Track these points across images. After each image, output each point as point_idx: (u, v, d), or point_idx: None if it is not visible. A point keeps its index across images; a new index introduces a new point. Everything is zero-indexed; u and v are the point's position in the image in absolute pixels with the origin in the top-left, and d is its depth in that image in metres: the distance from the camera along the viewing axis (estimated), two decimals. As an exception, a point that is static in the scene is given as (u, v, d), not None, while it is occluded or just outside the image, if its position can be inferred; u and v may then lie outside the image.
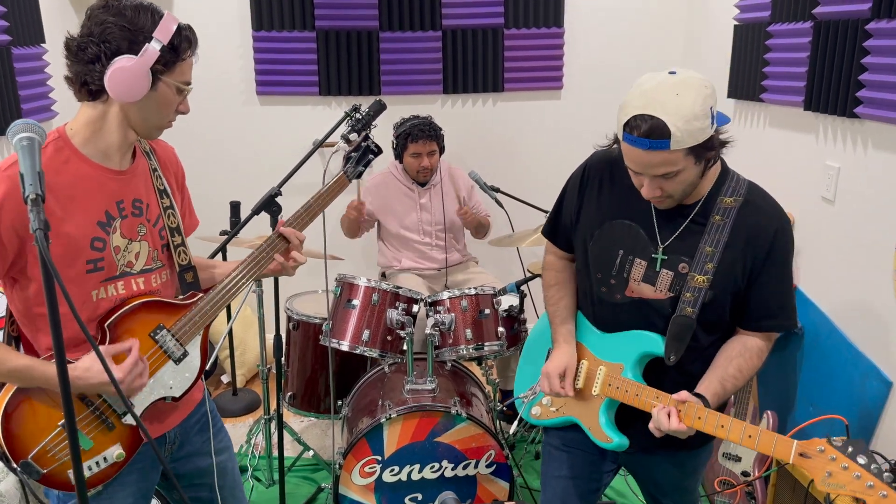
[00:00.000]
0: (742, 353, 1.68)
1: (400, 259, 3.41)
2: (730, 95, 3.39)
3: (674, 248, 1.68)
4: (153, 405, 1.57)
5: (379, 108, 2.43)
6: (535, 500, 2.73)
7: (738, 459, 2.71)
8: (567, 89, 3.89)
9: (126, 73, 1.37)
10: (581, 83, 3.88)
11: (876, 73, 2.39)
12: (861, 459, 1.39)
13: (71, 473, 1.42)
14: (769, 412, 2.68)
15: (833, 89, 2.55)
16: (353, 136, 2.35)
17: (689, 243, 1.66)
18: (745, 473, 2.67)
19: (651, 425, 1.63)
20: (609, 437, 1.76)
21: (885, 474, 1.38)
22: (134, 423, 1.52)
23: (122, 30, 1.37)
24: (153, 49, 1.39)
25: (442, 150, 3.37)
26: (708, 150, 1.53)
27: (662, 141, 1.46)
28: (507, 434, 2.98)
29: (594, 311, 1.83)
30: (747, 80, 3.20)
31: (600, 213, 1.76)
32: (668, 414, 1.60)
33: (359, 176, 2.07)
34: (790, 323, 1.71)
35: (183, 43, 1.43)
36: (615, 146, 1.67)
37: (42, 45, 3.06)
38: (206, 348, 1.64)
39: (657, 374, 1.73)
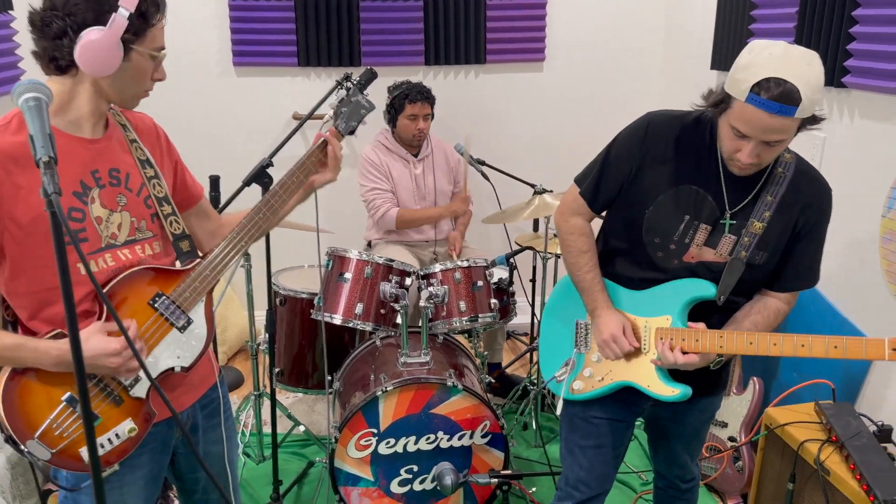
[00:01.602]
0: (760, 311, 1.75)
1: (389, 231, 3.38)
2: (713, 67, 3.40)
3: (742, 214, 1.69)
4: (164, 378, 1.52)
5: (370, 77, 2.37)
6: (551, 469, 2.74)
7: (724, 425, 2.76)
8: (549, 61, 3.87)
9: (96, 46, 1.32)
10: (563, 55, 3.87)
11: (864, 43, 2.42)
12: None
13: (83, 451, 1.38)
14: (755, 378, 2.73)
15: (821, 58, 2.56)
16: (345, 95, 2.30)
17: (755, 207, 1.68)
18: (731, 439, 2.73)
19: (669, 362, 1.70)
20: (673, 388, 1.75)
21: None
22: (143, 395, 1.48)
23: (87, 1, 1.31)
24: (121, 18, 1.33)
25: (433, 115, 3.34)
26: (810, 123, 1.52)
27: (791, 107, 1.44)
28: (556, 415, 2.99)
29: (642, 273, 1.79)
30: (732, 52, 3.22)
31: (666, 178, 1.70)
32: (672, 348, 1.69)
33: (352, 132, 2.02)
34: (814, 282, 1.78)
35: (150, 7, 1.38)
36: (699, 109, 1.66)
37: (10, 12, 2.93)
38: (212, 316, 1.59)
39: (699, 320, 1.75)
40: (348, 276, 2.55)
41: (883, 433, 2.18)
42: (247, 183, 2.19)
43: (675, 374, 1.78)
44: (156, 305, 1.50)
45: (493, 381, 3.05)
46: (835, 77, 2.51)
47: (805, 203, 1.68)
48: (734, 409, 2.73)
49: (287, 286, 2.87)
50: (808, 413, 2.37)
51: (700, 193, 1.69)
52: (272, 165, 2.18)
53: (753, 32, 3.04)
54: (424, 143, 3.39)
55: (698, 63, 3.51)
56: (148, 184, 1.53)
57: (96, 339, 1.37)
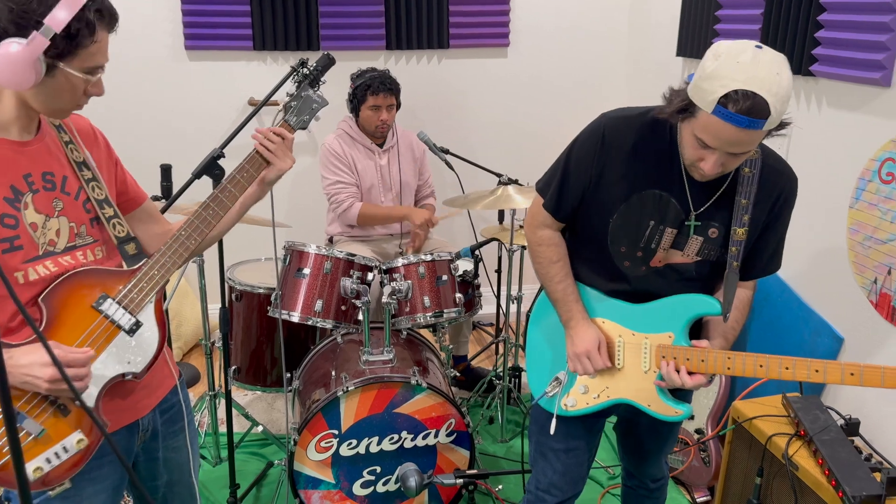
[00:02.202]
0: (737, 306, 1.71)
1: (356, 226, 3.27)
2: (679, 54, 3.35)
3: (707, 215, 1.64)
4: (116, 385, 1.42)
5: (328, 63, 2.25)
6: (523, 466, 2.68)
7: (691, 417, 2.74)
8: (514, 47, 3.78)
9: (10, 60, 1.19)
10: (528, 41, 3.79)
11: (832, 31, 2.38)
12: None
13: (29, 467, 1.28)
14: (722, 370, 2.71)
15: (788, 47, 2.53)
16: (296, 89, 2.20)
17: (723, 208, 1.63)
18: (698, 431, 2.71)
19: (671, 383, 1.65)
20: (676, 409, 1.70)
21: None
22: (92, 404, 1.38)
23: (9, 11, 1.19)
24: (41, 38, 1.20)
25: (398, 105, 3.23)
26: (776, 129, 1.44)
27: (760, 120, 1.37)
28: (508, 439, 2.94)
29: (610, 285, 1.75)
30: (697, 39, 3.17)
31: (627, 185, 1.63)
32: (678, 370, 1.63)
33: (304, 126, 1.93)
34: (777, 267, 1.75)
35: (84, 29, 1.24)
36: (657, 107, 1.57)
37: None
38: (164, 319, 1.49)
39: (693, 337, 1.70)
40: (307, 271, 2.44)
41: (850, 427, 2.17)
42: (196, 175, 2.06)
43: (675, 392, 1.73)
44: (100, 308, 1.40)
45: (458, 374, 2.98)
46: (802, 65, 2.48)
47: (777, 197, 1.64)
48: (701, 401, 2.71)
49: (243, 281, 2.75)
50: (775, 406, 2.35)
51: (663, 197, 1.63)
52: (223, 156, 2.06)
53: (720, 18, 2.99)
54: (389, 133, 3.28)
55: (664, 49, 3.46)
56: (86, 186, 1.43)
57: (35, 355, 1.27)
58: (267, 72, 3.59)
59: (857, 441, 2.16)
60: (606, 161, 1.63)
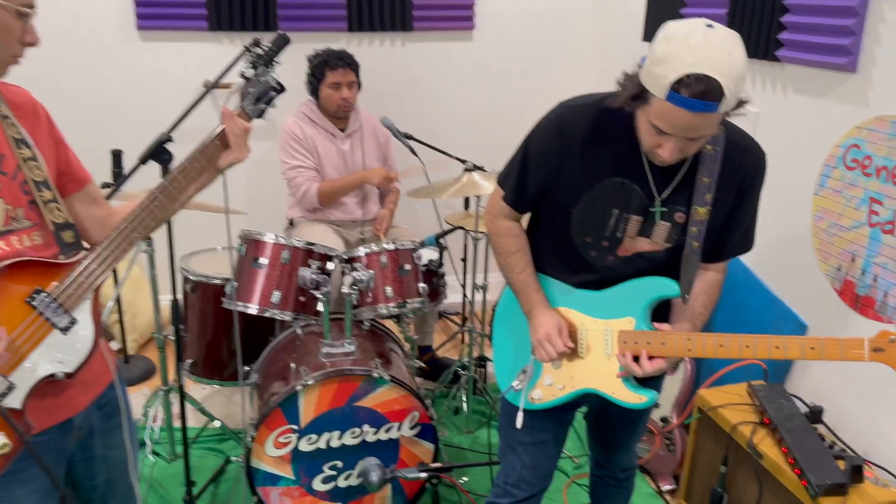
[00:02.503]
0: (705, 290, 1.68)
1: (314, 210, 3.18)
2: (645, 38, 3.31)
3: (672, 200, 1.59)
4: (48, 383, 1.33)
5: (282, 43, 2.14)
6: (490, 458, 2.64)
7: (656, 405, 2.72)
8: (479, 31, 3.71)
9: None
10: (493, 25, 3.71)
11: (798, 15, 2.35)
12: None
13: None
14: (686, 358, 2.69)
15: (754, 31, 2.50)
16: (252, 74, 2.11)
17: (686, 191, 1.58)
18: (664, 420, 2.69)
19: (630, 373, 1.61)
20: (640, 395, 1.65)
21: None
22: (18, 405, 1.29)
23: None
24: None
25: (360, 84, 3.14)
26: (735, 109, 1.40)
27: (714, 103, 1.32)
28: (474, 430, 2.89)
29: (577, 277, 1.70)
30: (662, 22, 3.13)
31: (589, 175, 1.58)
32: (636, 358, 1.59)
33: (260, 114, 1.84)
34: (749, 247, 1.71)
35: None
36: (614, 93, 1.50)
37: None
38: (99, 316, 1.40)
39: (657, 320, 1.66)
40: (264, 261, 2.35)
41: (814, 414, 2.17)
42: (143, 160, 1.96)
43: (640, 379, 1.68)
44: (34, 303, 1.30)
45: (423, 365, 2.92)
46: (768, 50, 2.45)
47: (743, 175, 1.58)
48: (666, 388, 2.69)
49: (198, 271, 2.65)
50: (740, 394, 2.34)
51: (626, 184, 1.58)
52: (171, 140, 1.96)
53: (686, 3, 2.95)
54: (352, 116, 3.19)
55: (630, 35, 3.42)
56: (24, 166, 1.33)
57: None
58: (223, 53, 3.46)
59: (821, 429, 2.16)
60: (565, 152, 1.58)
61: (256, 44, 2.18)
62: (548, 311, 1.71)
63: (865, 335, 1.42)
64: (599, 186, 1.58)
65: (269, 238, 2.36)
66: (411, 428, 2.33)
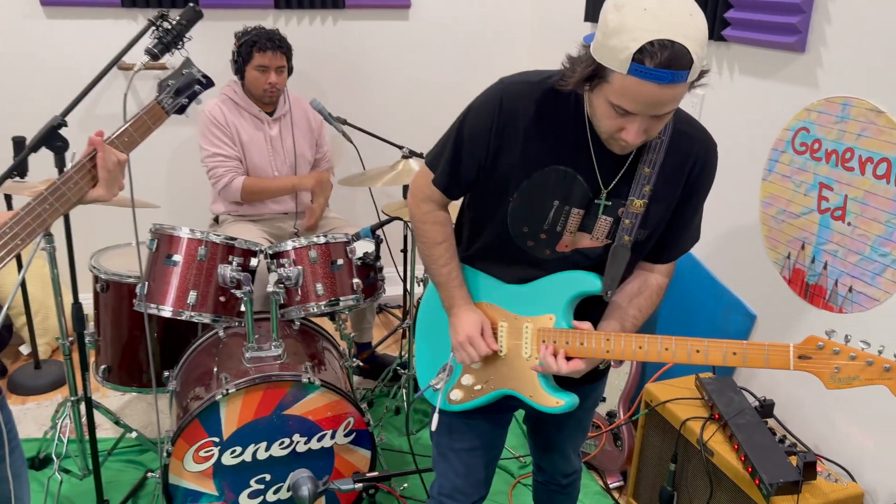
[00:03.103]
0: (642, 292, 1.55)
1: (240, 204, 2.96)
2: (587, 19, 3.19)
3: (616, 192, 1.44)
4: None
5: (193, 17, 1.95)
6: (416, 464, 2.49)
7: (602, 400, 2.63)
8: (416, 9, 3.53)
9: None
10: (430, 3, 3.53)
11: (746, -7, 2.26)
12: (863, 345, 1.26)
13: None
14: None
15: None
16: (168, 55, 1.91)
17: (630, 184, 1.44)
18: (610, 414, 2.60)
19: (547, 369, 1.48)
20: (558, 399, 1.52)
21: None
22: None
23: None
24: None
25: (290, 69, 2.93)
26: (697, 81, 1.25)
27: (683, 72, 1.17)
28: (415, 431, 2.74)
29: (507, 269, 1.56)
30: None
31: (529, 161, 1.42)
32: (556, 355, 1.46)
33: (181, 110, 1.66)
34: (695, 240, 1.59)
35: None
36: (559, 72, 1.36)
37: None
38: None
39: (582, 318, 1.52)
40: (178, 258, 2.14)
41: (765, 409, 2.10)
42: (33, 148, 1.73)
43: (560, 381, 1.56)
44: None
45: (361, 364, 2.76)
46: (714, 30, 2.35)
47: (690, 165, 1.45)
48: (612, 382, 2.60)
49: (110, 269, 2.42)
50: (688, 388, 2.26)
51: (569, 174, 1.43)
52: (65, 125, 1.74)
53: (630, -19, 2.84)
54: (281, 99, 2.98)
55: (571, 14, 3.30)
56: None
57: None
58: (137, 31, 3.18)
59: (771, 422, 2.10)
60: (504, 133, 1.42)
61: (163, 17, 1.97)
62: (470, 308, 1.57)
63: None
64: (540, 174, 1.43)
65: (183, 233, 2.15)
66: (346, 435, 2.17)
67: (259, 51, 2.80)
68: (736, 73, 2.36)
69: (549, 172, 1.43)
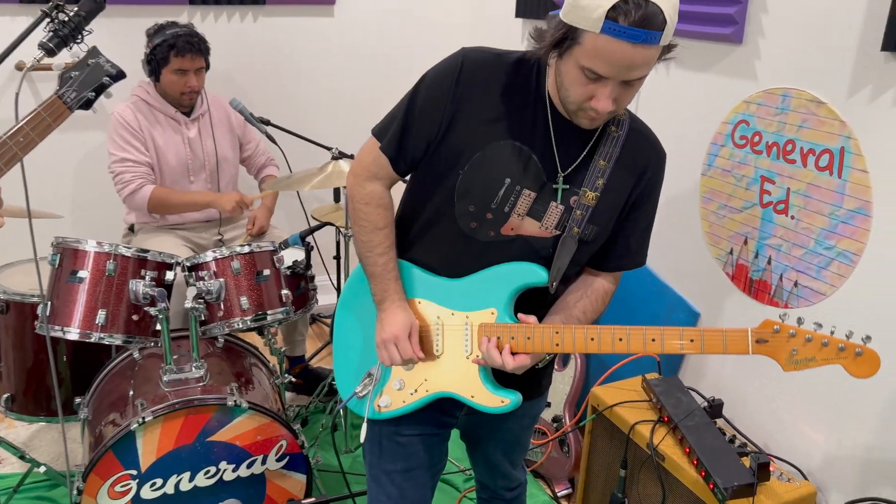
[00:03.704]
0: (588, 294, 1.49)
1: (149, 213, 2.74)
2: (518, 15, 3.12)
3: (573, 179, 1.37)
4: None
5: (93, 8, 1.76)
6: (346, 484, 2.35)
7: (547, 405, 2.55)
8: (341, 5, 3.38)
9: None
10: (357, -2, 3.40)
11: (680, -16, 2.20)
12: (815, 327, 1.26)
13: None
14: (576, 353, 2.53)
15: (634, 3, 2.34)
16: (66, 50, 1.72)
17: (585, 174, 1.38)
18: (556, 419, 2.52)
19: (490, 362, 1.40)
20: (502, 398, 1.43)
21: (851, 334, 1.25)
22: None
23: None
24: None
25: (208, 66, 2.74)
26: (665, 53, 1.24)
27: (656, 32, 1.15)
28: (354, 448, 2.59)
29: (446, 254, 1.45)
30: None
31: (483, 132, 1.34)
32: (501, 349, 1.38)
33: (86, 105, 1.48)
34: (642, 260, 1.54)
35: None
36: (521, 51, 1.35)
37: None
38: None
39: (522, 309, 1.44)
40: (84, 274, 1.94)
41: (714, 409, 2.05)
42: None
43: (501, 379, 1.46)
44: None
45: (294, 379, 2.60)
46: (650, 23, 2.30)
47: (642, 168, 1.42)
48: (557, 386, 2.52)
49: (11, 288, 2.19)
50: (635, 390, 2.19)
51: (524, 152, 1.36)
52: (-59, 130, 1.53)
53: (561, -25, 2.77)
54: (198, 98, 2.78)
55: (503, 11, 3.22)
56: None
57: None
58: (29, 24, 2.93)
59: (720, 422, 2.05)
60: (462, 99, 1.35)
61: (58, 8, 1.78)
62: (402, 307, 1.46)
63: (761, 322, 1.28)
64: (495, 146, 1.36)
65: (89, 246, 1.95)
66: (278, 460, 2.01)
67: (178, 54, 2.59)
68: (672, 67, 2.31)
69: (504, 147, 1.35)
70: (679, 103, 2.29)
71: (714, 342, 1.28)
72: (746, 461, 1.83)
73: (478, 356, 1.43)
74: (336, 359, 1.61)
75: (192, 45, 2.62)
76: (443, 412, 1.55)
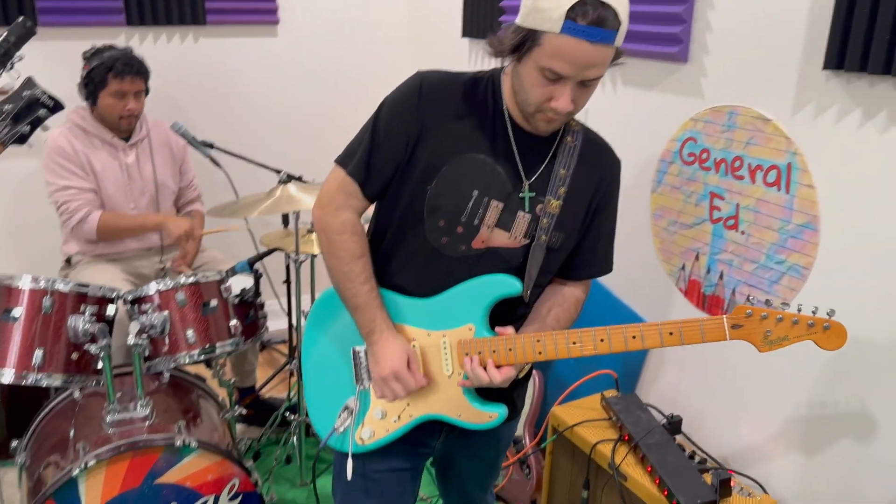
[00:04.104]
0: (560, 303, 1.51)
1: (95, 242, 2.62)
2: (465, 34, 3.11)
3: (537, 187, 1.40)
4: None
5: (23, 33, 1.68)
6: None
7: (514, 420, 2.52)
8: (285, 25, 3.32)
9: None
10: (301, 18, 3.34)
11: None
12: (784, 306, 1.32)
13: None
14: (534, 371, 2.52)
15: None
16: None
17: (548, 182, 1.42)
18: (516, 441, 2.49)
19: (474, 382, 1.40)
20: (491, 412, 1.43)
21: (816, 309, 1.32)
22: None
23: None
24: None
25: (147, 90, 2.64)
26: (618, 56, 1.30)
27: (612, 32, 1.22)
28: (309, 482, 2.50)
29: (418, 273, 1.44)
30: (483, 19, 2.95)
31: (449, 146, 1.37)
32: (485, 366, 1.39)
33: (21, 140, 1.40)
34: (609, 267, 1.57)
35: None
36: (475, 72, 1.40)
37: None
38: None
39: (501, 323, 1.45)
40: (18, 312, 1.82)
41: (673, 425, 2.05)
42: None
43: (485, 393, 1.46)
44: None
45: (244, 411, 2.51)
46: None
47: (600, 175, 1.47)
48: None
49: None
50: (594, 408, 2.18)
51: (488, 163, 1.38)
52: None
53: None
54: (138, 123, 2.69)
55: (449, 29, 3.21)
56: None
57: None
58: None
59: (679, 438, 2.05)
60: (425, 119, 1.37)
61: (-16, 34, 1.69)
62: (392, 335, 1.43)
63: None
64: (460, 161, 1.38)
65: (23, 283, 1.84)
66: (231, 499, 1.93)
67: (116, 76, 2.50)
68: (619, 85, 2.33)
69: (469, 160, 1.38)
70: (627, 122, 2.31)
71: (692, 333, 1.32)
72: (708, 478, 1.83)
73: (461, 377, 1.42)
74: (308, 396, 1.56)
75: (131, 67, 2.53)
76: (418, 443, 1.52)
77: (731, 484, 1.84)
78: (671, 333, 1.34)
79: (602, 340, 1.37)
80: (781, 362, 1.90)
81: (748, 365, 2.01)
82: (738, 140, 1.91)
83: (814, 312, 1.28)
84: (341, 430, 1.46)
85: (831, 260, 1.73)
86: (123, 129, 2.62)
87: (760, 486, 1.93)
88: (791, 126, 1.77)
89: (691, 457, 1.93)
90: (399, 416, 1.47)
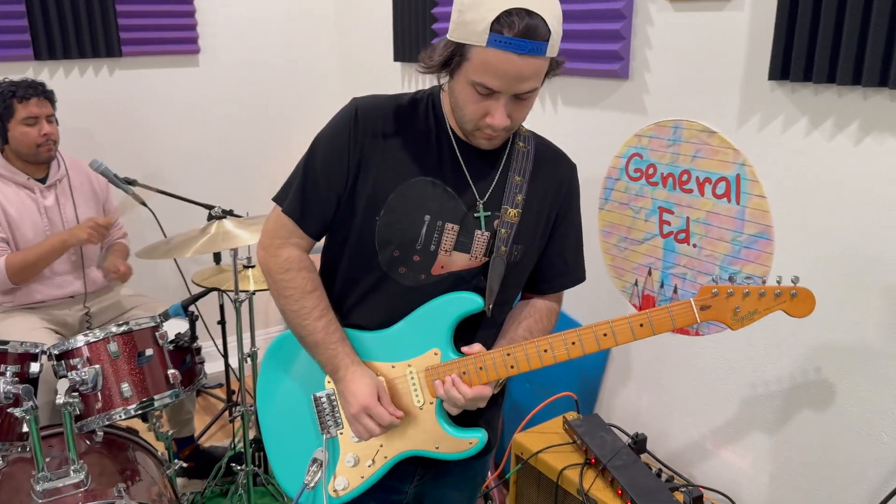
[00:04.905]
0: (531, 314, 1.44)
1: (12, 291, 2.41)
2: (396, 59, 3.07)
3: (492, 203, 1.33)
4: None
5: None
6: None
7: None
8: (206, 53, 3.19)
9: None
10: (223, 45, 3.22)
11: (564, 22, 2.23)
12: (748, 281, 1.30)
13: None
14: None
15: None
16: None
17: (502, 194, 1.35)
18: (476, 471, 2.41)
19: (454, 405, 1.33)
20: (471, 438, 1.34)
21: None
22: None
23: None
24: None
25: (57, 121, 2.46)
26: (554, 69, 1.25)
27: (541, 43, 1.15)
28: None
29: (377, 309, 1.36)
30: (414, 42, 2.91)
31: (392, 173, 1.30)
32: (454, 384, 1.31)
33: None
34: (582, 275, 1.52)
35: None
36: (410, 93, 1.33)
37: None
38: None
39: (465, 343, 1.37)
40: (-74, 377, 1.63)
41: (638, 444, 2.02)
42: None
43: (461, 420, 1.38)
44: None
45: (185, 464, 2.33)
46: (534, 62, 2.31)
47: (558, 180, 1.42)
48: (474, 437, 2.42)
49: None
50: (557, 432, 2.14)
51: (438, 186, 1.31)
52: None
53: (437, 17, 2.75)
54: (54, 163, 2.50)
55: (380, 53, 3.16)
56: None
57: None
58: None
59: (645, 457, 2.02)
60: (364, 147, 1.30)
61: None
62: (359, 369, 1.34)
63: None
64: (406, 186, 1.31)
65: (-70, 345, 1.65)
66: (180, 564, 1.77)
67: (21, 101, 2.33)
68: (560, 105, 2.32)
69: (416, 185, 1.31)
70: (570, 140, 2.27)
71: (663, 321, 1.27)
72: (680, 496, 1.81)
73: (434, 406, 1.34)
74: (270, 453, 1.45)
75: (35, 90, 2.38)
76: (391, 490, 1.43)
77: (704, 500, 1.82)
78: (641, 325, 1.28)
79: (573, 343, 1.31)
80: (744, 370, 1.91)
81: (709, 376, 2.00)
82: (685, 154, 1.92)
83: (778, 282, 1.27)
84: (312, 485, 1.35)
85: (786, 268, 1.74)
86: (43, 157, 2.43)
87: (731, 500, 1.92)
88: (738, 137, 1.79)
89: (659, 475, 1.90)
90: (373, 460, 1.38)
